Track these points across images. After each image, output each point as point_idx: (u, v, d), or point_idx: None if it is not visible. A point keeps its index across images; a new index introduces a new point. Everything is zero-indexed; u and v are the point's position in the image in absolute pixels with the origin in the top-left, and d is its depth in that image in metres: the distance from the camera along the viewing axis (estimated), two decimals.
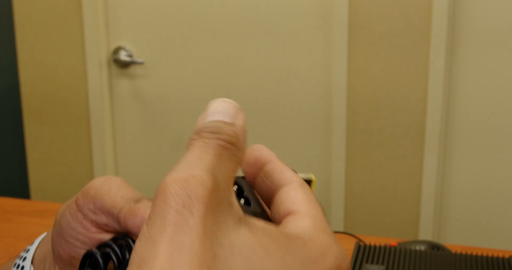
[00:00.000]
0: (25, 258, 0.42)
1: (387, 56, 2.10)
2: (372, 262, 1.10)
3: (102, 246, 0.37)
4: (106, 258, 0.36)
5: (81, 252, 0.38)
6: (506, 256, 1.09)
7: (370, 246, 1.15)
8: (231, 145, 0.31)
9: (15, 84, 2.51)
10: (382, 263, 1.09)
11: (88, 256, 0.36)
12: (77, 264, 0.39)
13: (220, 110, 0.33)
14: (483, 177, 2.13)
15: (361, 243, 1.17)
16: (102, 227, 0.38)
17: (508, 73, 2.04)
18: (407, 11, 2.05)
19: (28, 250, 0.43)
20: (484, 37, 2.03)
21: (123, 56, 2.36)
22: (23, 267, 0.42)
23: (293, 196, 0.34)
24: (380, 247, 1.15)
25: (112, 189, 0.38)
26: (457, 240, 2.18)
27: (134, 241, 0.36)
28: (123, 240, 0.37)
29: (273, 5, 2.20)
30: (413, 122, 2.12)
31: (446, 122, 2.12)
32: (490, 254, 1.10)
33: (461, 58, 2.07)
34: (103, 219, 0.38)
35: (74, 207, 0.39)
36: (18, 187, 2.60)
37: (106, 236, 0.38)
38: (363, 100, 2.15)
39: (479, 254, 1.10)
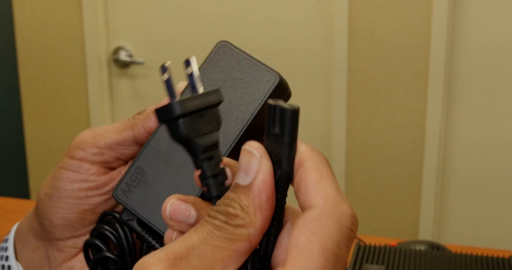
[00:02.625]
0: (7, 257, 0.43)
1: (387, 56, 2.10)
2: (372, 262, 1.10)
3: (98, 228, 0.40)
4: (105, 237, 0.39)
5: (87, 204, 0.41)
6: (506, 256, 1.09)
7: (370, 246, 1.15)
8: (229, 225, 0.30)
9: (15, 84, 2.51)
10: (382, 263, 1.09)
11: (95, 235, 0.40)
12: (82, 222, 0.42)
13: (241, 166, 0.31)
14: (483, 177, 2.13)
15: (361, 243, 1.17)
16: (110, 165, 0.42)
17: (507, 72, 2.04)
18: (407, 11, 2.05)
19: (6, 248, 0.45)
20: (484, 36, 2.03)
21: (123, 56, 2.36)
22: (9, 266, 0.43)
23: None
24: (380, 247, 1.15)
25: (103, 129, 0.42)
26: (457, 240, 2.18)
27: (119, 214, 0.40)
28: (111, 215, 0.40)
29: (273, 5, 2.20)
30: (413, 122, 2.12)
31: (446, 121, 2.12)
32: (490, 254, 1.10)
33: (462, 57, 2.07)
34: (112, 154, 0.42)
35: (73, 163, 0.42)
36: (18, 187, 2.60)
37: (114, 175, 0.42)
38: (362, 100, 2.15)
39: (479, 254, 1.10)
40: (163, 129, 0.39)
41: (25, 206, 1.41)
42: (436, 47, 2.03)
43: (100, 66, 2.38)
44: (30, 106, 2.51)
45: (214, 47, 0.41)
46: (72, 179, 0.42)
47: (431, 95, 2.07)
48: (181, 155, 0.38)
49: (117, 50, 2.37)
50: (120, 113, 2.44)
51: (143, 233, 0.37)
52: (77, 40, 2.38)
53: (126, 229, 0.39)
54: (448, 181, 2.17)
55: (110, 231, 0.39)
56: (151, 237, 0.37)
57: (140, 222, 0.37)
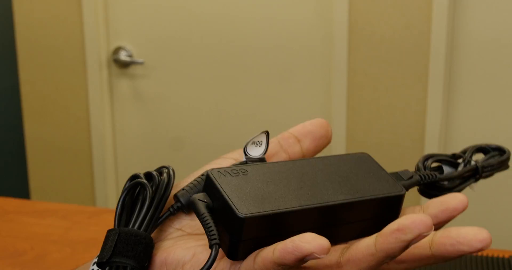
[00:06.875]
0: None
1: (387, 56, 2.10)
2: None
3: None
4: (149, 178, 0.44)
5: None
6: (506, 256, 1.09)
7: None
8: None
9: (15, 84, 2.51)
10: None
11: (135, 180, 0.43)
12: None
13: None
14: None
15: None
16: None
17: (507, 72, 2.04)
18: (407, 11, 2.05)
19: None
20: (484, 36, 2.03)
21: (123, 56, 2.36)
22: None
23: None
24: None
25: None
26: None
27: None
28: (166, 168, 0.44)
29: (273, 5, 2.20)
30: (413, 122, 2.12)
31: (446, 122, 2.12)
32: (490, 254, 1.10)
33: (462, 57, 2.07)
34: None
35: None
36: (18, 187, 2.60)
37: None
38: (363, 100, 2.15)
39: (479, 254, 1.10)
40: (296, 161, 0.41)
41: (25, 206, 1.40)
42: (436, 47, 2.03)
43: (100, 66, 2.38)
44: (30, 106, 2.51)
45: (355, 154, 0.44)
46: None
47: (431, 95, 2.07)
48: (292, 180, 0.39)
49: (117, 50, 2.37)
50: (120, 113, 2.44)
51: (206, 215, 0.37)
52: (77, 40, 2.38)
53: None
54: None
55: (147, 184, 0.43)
56: (212, 224, 0.37)
57: (212, 210, 0.37)
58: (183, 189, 0.42)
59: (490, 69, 2.05)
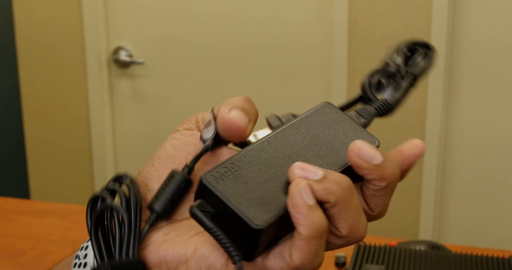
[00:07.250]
0: (86, 255, 0.42)
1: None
2: (372, 262, 1.10)
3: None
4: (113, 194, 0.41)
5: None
6: (506, 256, 1.09)
7: (370, 246, 1.15)
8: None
9: (15, 84, 2.51)
10: (382, 263, 1.09)
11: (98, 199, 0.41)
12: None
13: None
14: (483, 177, 2.13)
15: (361, 243, 1.17)
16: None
17: (507, 71, 2.04)
18: (407, 11, 2.05)
19: (87, 247, 0.43)
20: (484, 36, 2.03)
21: (123, 56, 2.36)
22: (85, 264, 0.42)
23: None
24: (380, 247, 1.15)
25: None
26: (457, 240, 2.18)
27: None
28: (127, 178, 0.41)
29: (274, 5, 2.20)
30: (413, 121, 2.12)
31: (446, 121, 2.12)
32: (490, 254, 1.10)
33: (462, 57, 2.07)
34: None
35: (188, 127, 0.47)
36: (18, 187, 2.60)
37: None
38: None
39: (479, 254, 1.10)
40: (273, 137, 0.42)
41: (25, 206, 1.41)
42: (436, 47, 2.03)
43: (100, 66, 2.38)
44: (30, 106, 2.51)
45: (317, 105, 0.45)
46: (182, 142, 0.46)
47: (431, 95, 2.07)
48: (283, 165, 0.40)
49: (117, 50, 2.37)
50: (120, 113, 2.44)
51: (216, 229, 0.36)
52: (77, 40, 2.38)
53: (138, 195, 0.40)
54: (448, 181, 2.17)
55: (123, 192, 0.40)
56: (224, 236, 0.36)
57: (215, 217, 0.37)
58: (156, 197, 0.40)
59: (490, 69, 2.05)
